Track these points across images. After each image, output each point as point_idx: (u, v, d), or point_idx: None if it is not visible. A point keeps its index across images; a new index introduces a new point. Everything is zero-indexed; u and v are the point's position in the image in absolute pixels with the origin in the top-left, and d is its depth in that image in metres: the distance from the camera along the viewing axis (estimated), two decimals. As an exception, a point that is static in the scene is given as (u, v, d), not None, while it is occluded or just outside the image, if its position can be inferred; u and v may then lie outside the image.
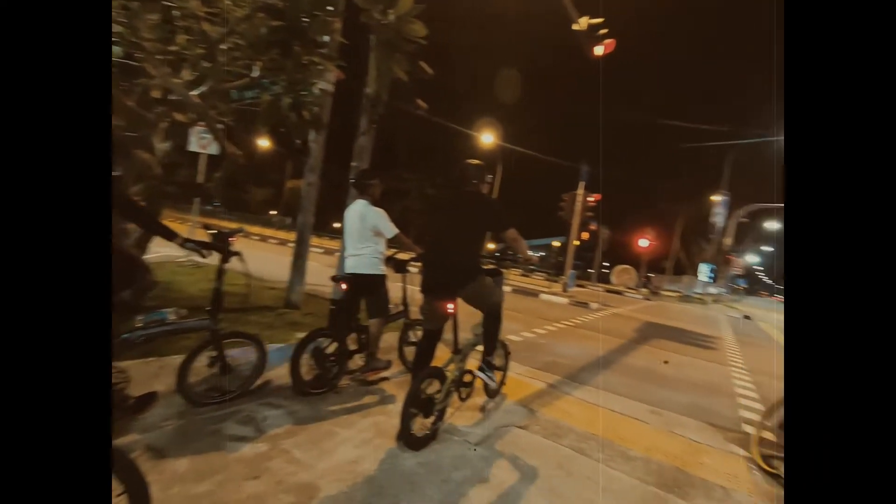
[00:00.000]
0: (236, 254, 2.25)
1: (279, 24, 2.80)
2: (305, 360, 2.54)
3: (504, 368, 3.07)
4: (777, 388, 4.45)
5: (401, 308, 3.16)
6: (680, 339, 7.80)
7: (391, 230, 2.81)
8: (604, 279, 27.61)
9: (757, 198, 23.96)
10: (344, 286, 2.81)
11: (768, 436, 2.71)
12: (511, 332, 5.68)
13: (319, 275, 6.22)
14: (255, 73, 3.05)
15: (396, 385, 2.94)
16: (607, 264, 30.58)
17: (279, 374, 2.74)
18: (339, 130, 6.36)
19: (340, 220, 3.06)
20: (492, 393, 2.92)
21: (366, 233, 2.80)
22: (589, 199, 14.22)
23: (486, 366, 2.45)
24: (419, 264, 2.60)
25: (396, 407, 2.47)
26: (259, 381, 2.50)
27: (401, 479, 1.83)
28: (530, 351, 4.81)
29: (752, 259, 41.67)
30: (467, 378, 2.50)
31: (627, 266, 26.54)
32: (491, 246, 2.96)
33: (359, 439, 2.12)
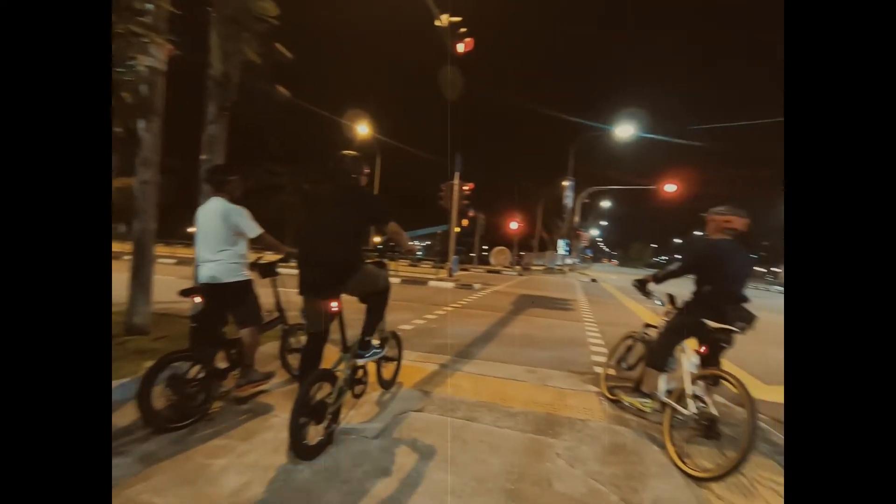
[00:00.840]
0: None
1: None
2: (160, 391, 2.14)
3: (398, 358, 3.11)
4: (615, 333, 5.55)
5: (276, 314, 2.91)
6: (546, 305, 9.07)
7: (254, 229, 2.54)
8: (484, 261, 30.11)
9: (594, 181, 29.19)
10: (200, 299, 2.43)
11: (611, 372, 3.39)
12: (403, 321, 5.77)
13: (173, 290, 5.23)
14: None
15: (283, 396, 2.71)
16: (486, 247, 33.41)
17: (125, 414, 2.25)
18: (182, 117, 5.39)
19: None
20: (387, 384, 2.95)
21: (225, 234, 2.47)
22: (464, 187, 15.19)
23: (362, 347, 2.34)
24: (289, 264, 2.42)
25: (283, 420, 2.29)
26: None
27: (296, 494, 1.72)
28: (422, 337, 4.98)
29: (594, 232, 50.73)
30: (360, 374, 2.46)
31: (503, 247, 29.43)
32: (377, 239, 2.93)
33: (241, 464, 1.90)
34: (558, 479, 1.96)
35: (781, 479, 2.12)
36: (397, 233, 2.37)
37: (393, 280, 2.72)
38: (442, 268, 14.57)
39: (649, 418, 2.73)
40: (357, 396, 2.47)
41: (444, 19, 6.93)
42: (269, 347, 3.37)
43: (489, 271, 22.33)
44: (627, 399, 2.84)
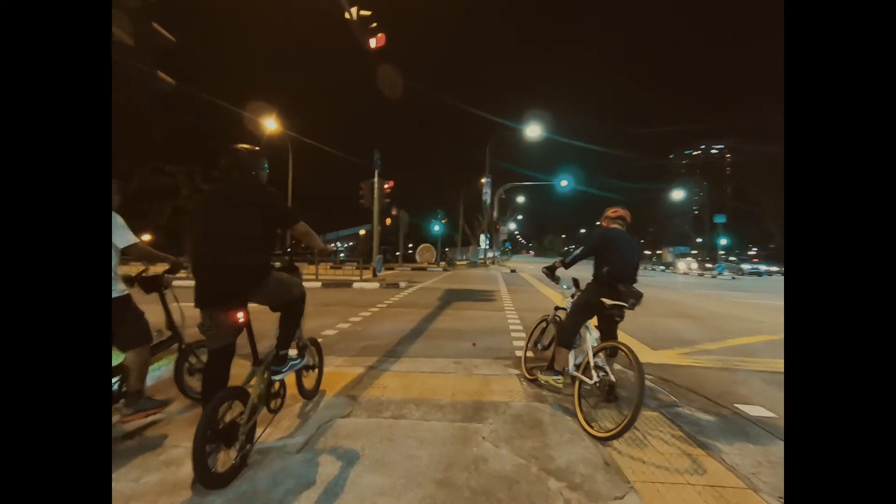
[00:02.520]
0: None
1: None
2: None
3: (318, 366, 2.96)
4: (533, 318, 6.00)
5: (167, 333, 2.56)
6: (471, 298, 9.41)
7: (126, 238, 2.17)
8: (409, 259, 30.14)
9: (508, 178, 31.01)
10: None
11: (529, 354, 3.65)
12: (327, 326, 5.51)
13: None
14: None
15: (185, 422, 2.40)
16: (411, 245, 33.43)
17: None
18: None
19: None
20: (309, 394, 2.79)
21: None
22: (385, 185, 14.98)
23: (277, 362, 2.21)
24: (179, 274, 2.12)
25: (186, 449, 2.03)
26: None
27: (204, 529, 1.55)
28: (347, 340, 4.81)
29: (511, 226, 53.94)
30: (276, 387, 2.28)
31: (428, 244, 29.74)
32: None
33: (133, 509, 1.64)
34: (485, 461, 2.06)
35: (667, 429, 2.50)
36: (307, 234, 2.24)
37: (314, 284, 2.57)
38: (366, 268, 14.20)
39: (563, 392, 3.00)
40: (274, 412, 2.29)
41: (353, 12, 6.68)
42: (163, 372, 2.96)
43: (415, 269, 22.40)
44: (543, 377, 3.08)
